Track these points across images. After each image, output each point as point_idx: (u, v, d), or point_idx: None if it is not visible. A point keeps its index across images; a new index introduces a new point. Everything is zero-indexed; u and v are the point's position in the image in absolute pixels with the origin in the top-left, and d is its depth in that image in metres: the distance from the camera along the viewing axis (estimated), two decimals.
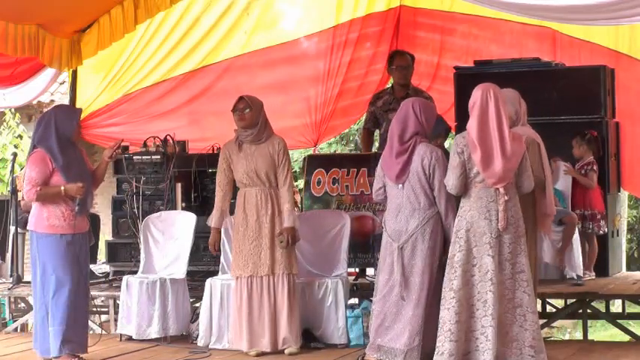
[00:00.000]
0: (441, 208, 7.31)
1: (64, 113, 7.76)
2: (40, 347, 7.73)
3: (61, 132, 7.61)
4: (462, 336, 6.90)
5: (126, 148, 9.90)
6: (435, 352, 6.95)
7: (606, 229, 9.75)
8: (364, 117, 10.58)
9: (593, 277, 9.64)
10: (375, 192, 7.63)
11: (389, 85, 11.11)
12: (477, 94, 7.04)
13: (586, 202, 9.65)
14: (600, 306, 9.54)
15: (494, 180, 6.93)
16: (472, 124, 7.01)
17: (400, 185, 7.37)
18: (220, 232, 8.30)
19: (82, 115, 11.09)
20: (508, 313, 6.93)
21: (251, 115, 8.09)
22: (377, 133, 10.22)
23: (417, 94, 9.57)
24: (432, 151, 7.34)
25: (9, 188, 10.51)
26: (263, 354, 8.05)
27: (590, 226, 9.62)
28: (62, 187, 7.58)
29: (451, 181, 7.06)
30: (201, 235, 9.34)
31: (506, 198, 6.92)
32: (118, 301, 9.15)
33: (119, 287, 8.97)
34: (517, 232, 6.98)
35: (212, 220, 8.27)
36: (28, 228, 7.79)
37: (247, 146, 8.14)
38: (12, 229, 10.27)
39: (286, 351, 8.04)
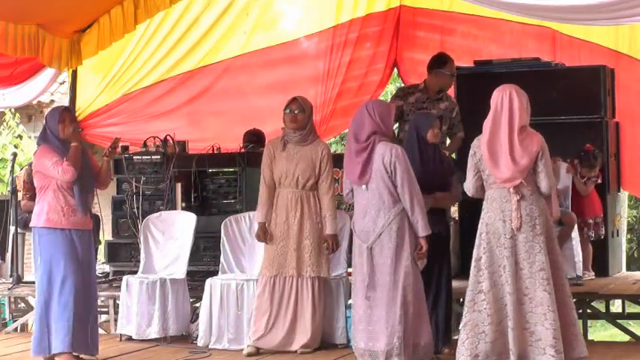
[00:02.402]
0: (406, 204, 7.32)
1: (50, 114, 7.87)
2: (38, 346, 7.70)
3: (51, 131, 7.72)
4: (497, 337, 6.89)
5: (126, 148, 9.91)
6: (468, 355, 6.89)
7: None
8: None
9: (593, 277, 9.65)
10: (345, 196, 7.69)
11: (392, 82, 11.02)
12: (494, 96, 7.05)
13: (596, 210, 9.76)
14: (600, 306, 9.54)
15: (502, 179, 6.94)
16: (485, 126, 7.04)
17: (364, 186, 7.40)
18: (265, 227, 8.20)
19: (82, 115, 11.17)
20: (532, 312, 6.90)
21: (303, 118, 8.13)
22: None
23: (447, 98, 9.50)
24: (391, 149, 7.37)
25: (9, 188, 10.51)
26: (259, 353, 8.07)
27: (603, 232, 9.74)
28: (73, 144, 7.63)
29: (467, 183, 7.12)
30: (201, 235, 9.35)
31: (517, 197, 6.91)
32: (117, 301, 9.15)
33: (119, 287, 8.97)
34: (534, 230, 6.92)
35: (257, 215, 8.25)
36: (30, 225, 7.82)
37: (291, 147, 8.16)
38: (12, 229, 10.27)
39: (299, 350, 8.06)
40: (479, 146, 7.05)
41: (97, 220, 10.40)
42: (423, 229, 7.33)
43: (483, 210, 7.08)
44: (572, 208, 9.64)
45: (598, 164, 9.73)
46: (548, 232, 7.01)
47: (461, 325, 7.01)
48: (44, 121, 7.83)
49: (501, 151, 6.94)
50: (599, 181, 9.79)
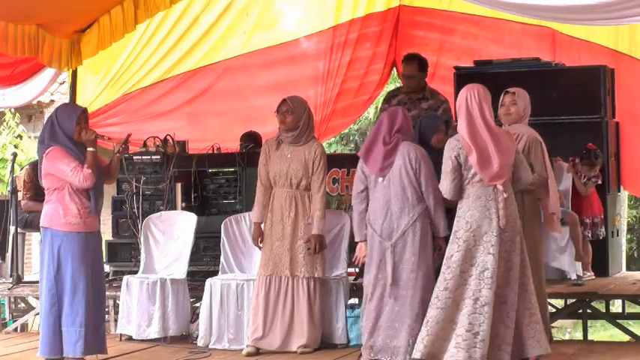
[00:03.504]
0: (429, 203, 7.37)
1: (63, 112, 7.68)
2: (46, 348, 7.63)
3: (65, 131, 7.56)
4: (451, 335, 6.92)
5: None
6: (426, 353, 6.92)
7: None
8: (376, 114, 10.51)
9: (593, 277, 9.65)
10: (355, 195, 7.58)
11: (392, 81, 11.02)
12: (461, 96, 7.10)
13: (594, 210, 9.75)
14: (600, 306, 9.54)
15: (491, 177, 6.93)
16: (462, 126, 7.04)
17: (381, 179, 7.43)
18: (261, 227, 8.23)
19: None
20: (494, 309, 6.94)
21: (292, 119, 8.14)
22: None
23: (433, 96, 9.56)
24: (415, 148, 7.48)
25: (9, 188, 10.51)
26: (259, 353, 8.07)
27: (603, 232, 9.74)
28: (90, 149, 7.50)
29: (445, 186, 7.06)
30: (202, 235, 9.35)
31: (505, 195, 6.93)
32: (118, 301, 9.15)
33: (119, 287, 8.97)
34: (514, 229, 6.99)
35: (253, 215, 8.28)
36: (41, 225, 7.62)
37: (285, 146, 8.19)
38: (12, 229, 10.26)
39: (299, 350, 8.06)
40: (462, 147, 7.01)
41: None
42: (443, 230, 7.40)
43: (461, 208, 7.04)
44: (571, 208, 9.65)
45: (599, 164, 9.72)
46: (521, 231, 7.06)
47: (424, 321, 7.01)
48: (54, 119, 7.59)
49: (488, 149, 6.94)
50: (600, 181, 9.79)
